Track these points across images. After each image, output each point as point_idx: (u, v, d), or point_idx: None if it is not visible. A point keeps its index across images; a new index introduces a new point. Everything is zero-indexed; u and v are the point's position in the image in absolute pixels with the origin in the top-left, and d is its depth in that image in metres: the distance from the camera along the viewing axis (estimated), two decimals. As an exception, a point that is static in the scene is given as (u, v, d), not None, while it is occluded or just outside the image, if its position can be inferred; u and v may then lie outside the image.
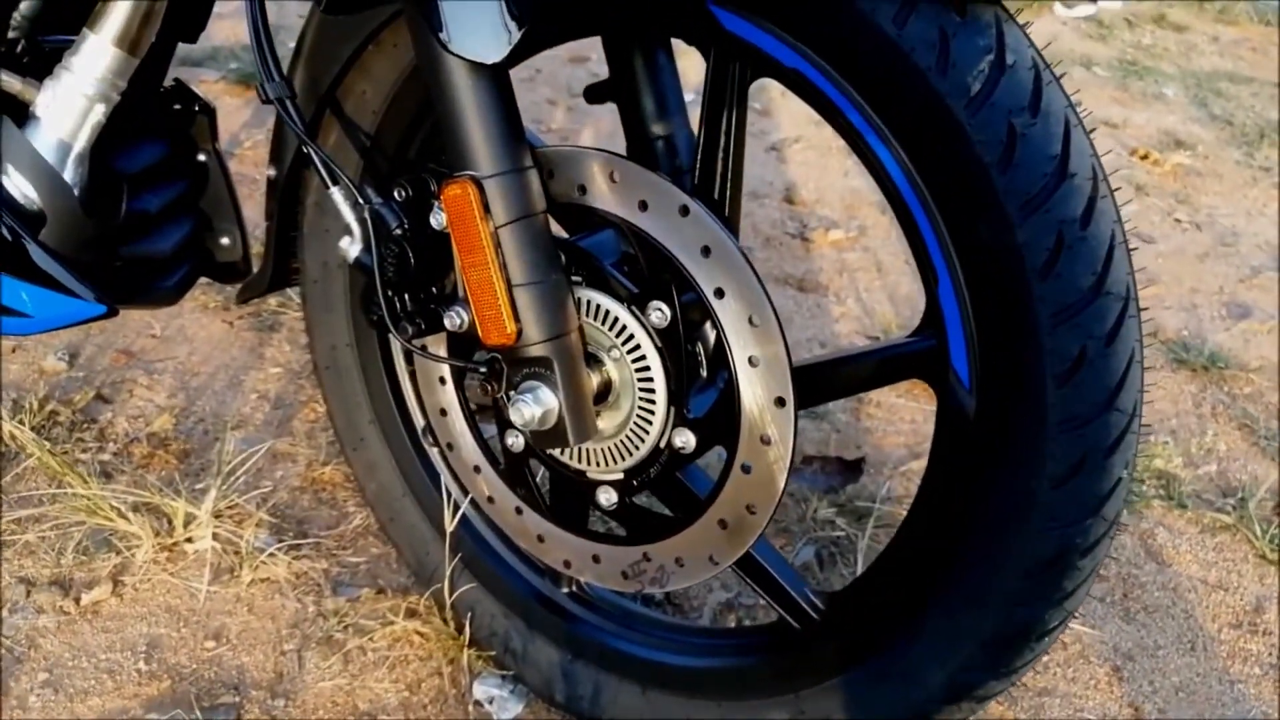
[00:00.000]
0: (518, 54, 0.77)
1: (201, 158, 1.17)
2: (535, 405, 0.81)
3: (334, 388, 1.12)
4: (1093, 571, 0.76)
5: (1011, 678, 0.81)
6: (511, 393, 0.82)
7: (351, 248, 0.88)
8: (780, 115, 2.94)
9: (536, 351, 0.81)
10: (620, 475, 0.89)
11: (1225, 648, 1.28)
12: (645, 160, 0.92)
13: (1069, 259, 0.67)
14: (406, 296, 0.86)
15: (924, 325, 0.78)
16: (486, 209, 0.78)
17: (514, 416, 0.81)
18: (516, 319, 0.80)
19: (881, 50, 0.68)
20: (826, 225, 2.28)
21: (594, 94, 0.98)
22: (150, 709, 1.03)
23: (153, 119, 1.13)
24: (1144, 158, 2.90)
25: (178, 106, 1.15)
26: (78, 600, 1.14)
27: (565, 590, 1.05)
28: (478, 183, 0.78)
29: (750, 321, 0.78)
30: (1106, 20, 4.62)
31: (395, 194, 0.85)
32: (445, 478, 1.05)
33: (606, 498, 0.90)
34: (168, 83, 1.15)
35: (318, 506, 1.32)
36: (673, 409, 0.83)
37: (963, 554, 0.77)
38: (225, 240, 1.17)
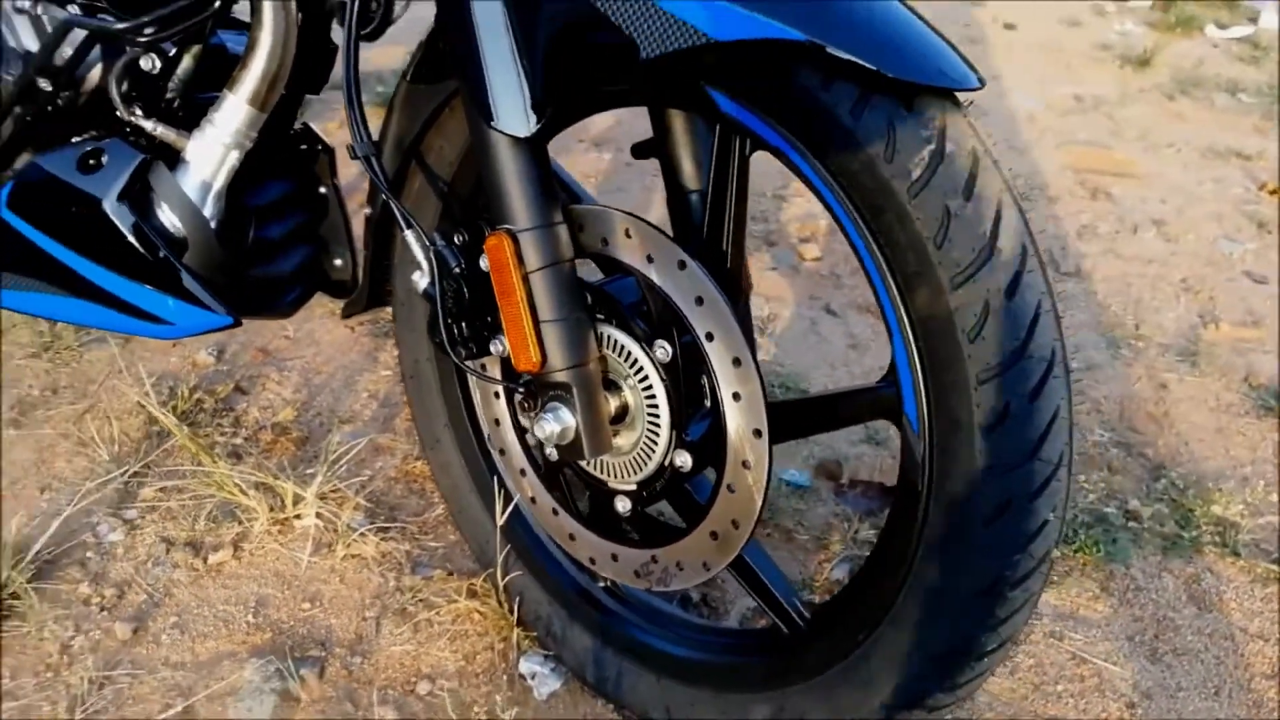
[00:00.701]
0: (550, 128, 0.92)
1: (322, 190, 1.37)
2: (556, 423, 0.96)
3: (416, 395, 1.31)
4: (1026, 603, 0.85)
5: (957, 692, 0.90)
6: (538, 411, 0.97)
7: (421, 280, 1.05)
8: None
9: (558, 377, 0.96)
10: (634, 486, 1.03)
11: (1252, 696, 1.31)
12: (680, 212, 1.05)
13: (994, 325, 0.77)
14: (463, 324, 1.02)
15: (888, 373, 0.88)
16: (520, 257, 0.94)
17: (539, 431, 0.97)
18: (541, 350, 0.95)
19: (842, 137, 0.80)
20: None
21: (640, 150, 1.12)
22: (253, 655, 1.24)
23: (282, 158, 1.34)
24: (1272, 193, 2.81)
25: (304, 147, 1.36)
26: (205, 560, 1.36)
27: (601, 585, 1.19)
28: (513, 236, 0.93)
29: (735, 362, 0.90)
30: (1263, 42, 4.42)
31: (455, 238, 1.02)
32: (498, 478, 1.21)
33: (622, 505, 1.04)
34: (297, 126, 1.36)
35: (408, 495, 1.51)
36: (674, 432, 0.97)
37: (913, 579, 0.87)
38: (338, 262, 1.37)
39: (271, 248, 1.32)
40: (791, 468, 1.59)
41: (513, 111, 0.89)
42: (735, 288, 0.98)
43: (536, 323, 0.94)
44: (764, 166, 0.96)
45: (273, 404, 1.67)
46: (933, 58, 0.78)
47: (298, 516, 1.42)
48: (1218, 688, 1.31)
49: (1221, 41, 4.48)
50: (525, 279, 0.94)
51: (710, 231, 0.97)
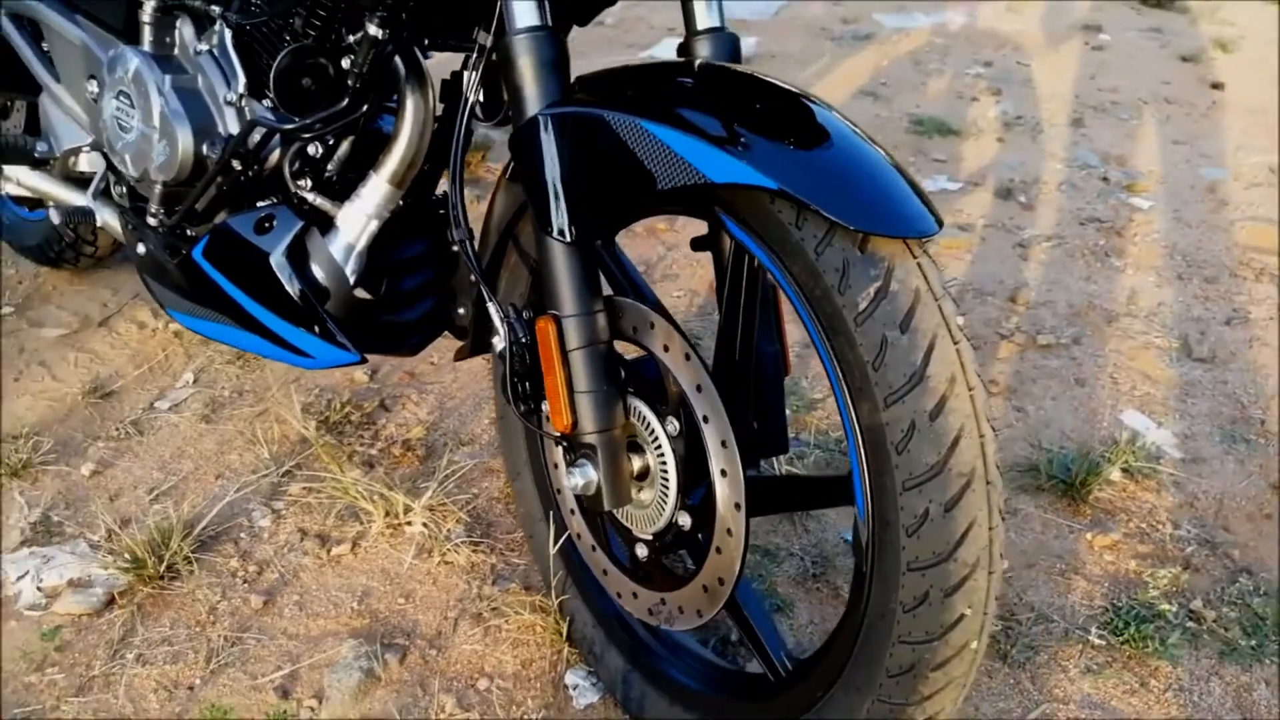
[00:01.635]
0: (602, 231, 1.11)
1: (454, 249, 1.62)
2: (582, 477, 1.14)
3: (504, 434, 1.53)
4: (949, 684, 0.96)
5: (894, 756, 1.01)
6: (569, 466, 1.16)
7: (498, 343, 1.27)
8: (1043, 211, 3.00)
9: (587, 439, 1.14)
10: (650, 536, 1.20)
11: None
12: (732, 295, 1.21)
13: (918, 442, 0.89)
14: (526, 384, 1.23)
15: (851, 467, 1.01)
16: (562, 338, 1.13)
17: (568, 482, 1.16)
18: (574, 415, 1.13)
19: (808, 268, 0.94)
20: (1039, 329, 2.36)
21: (697, 244, 1.29)
22: (352, 636, 1.49)
23: (422, 221, 1.60)
24: None
25: (441, 212, 1.61)
26: (329, 551, 1.64)
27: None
28: (557, 320, 1.13)
29: (723, 444, 1.06)
30: None
31: (524, 313, 1.23)
32: (554, 513, 1.41)
33: (641, 551, 1.21)
34: (437, 194, 1.61)
35: (504, 515, 1.73)
36: (680, 495, 1.13)
37: (859, 649, 1.00)
38: (461, 311, 1.61)
39: (403, 298, 1.58)
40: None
41: (559, 221, 1.09)
42: (747, 376, 1.13)
43: (571, 392, 1.13)
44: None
45: (408, 422, 1.95)
46: (892, 206, 0.91)
47: (408, 523, 1.67)
48: (1236, 800, 1.32)
49: None
50: (565, 355, 1.13)
51: (726, 325, 1.13)
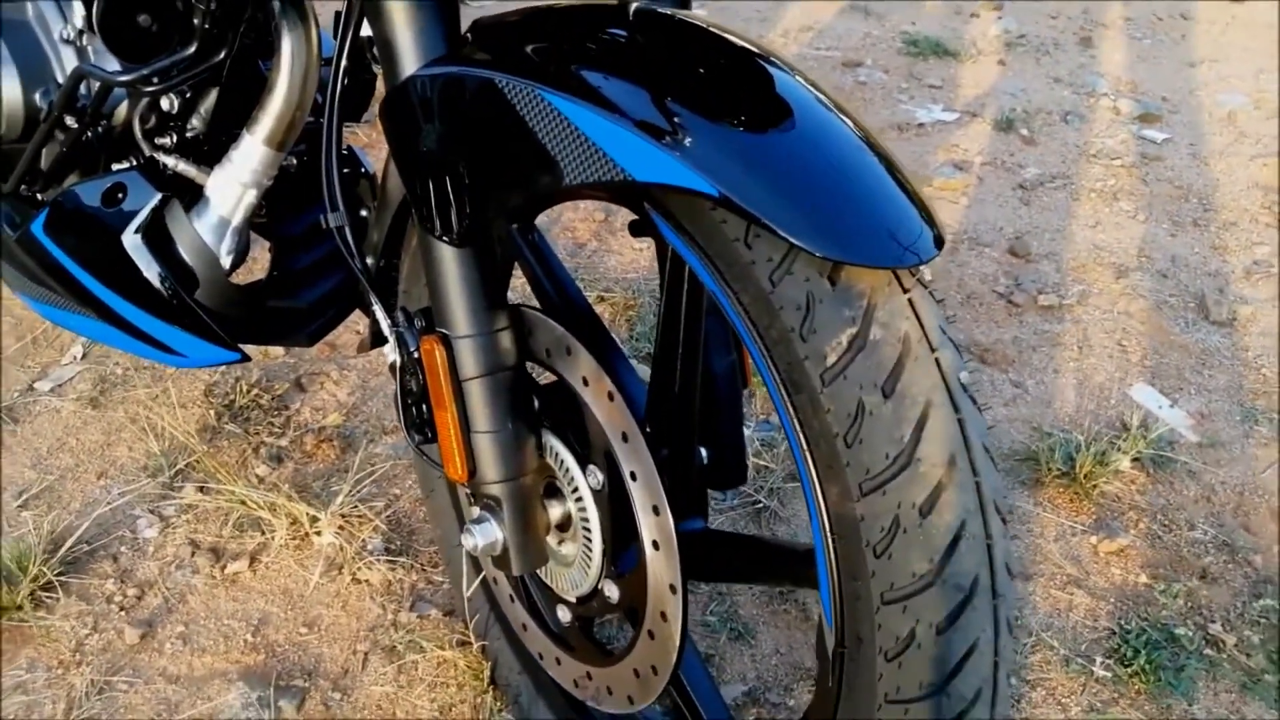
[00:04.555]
0: (488, 231, 0.86)
1: (364, 214, 1.36)
2: (482, 537, 0.91)
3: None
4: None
5: None
6: (468, 521, 0.93)
7: (391, 353, 1.02)
8: (1048, 146, 2.72)
9: (489, 490, 0.91)
10: (574, 599, 0.97)
11: None
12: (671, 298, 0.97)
13: (903, 544, 0.66)
14: (422, 406, 0.99)
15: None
16: (454, 364, 0.89)
17: (467, 543, 0.93)
18: (471, 461, 0.90)
19: (761, 301, 0.70)
20: (1041, 287, 2.12)
21: (635, 229, 1.04)
22: (242, 676, 1.28)
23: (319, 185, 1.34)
24: None
25: (346, 171, 1.34)
26: (223, 568, 1.42)
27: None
28: (447, 342, 0.88)
29: (654, 510, 0.83)
30: None
31: (417, 321, 0.98)
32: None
33: (563, 614, 0.99)
34: (343, 150, 1.34)
35: (428, 522, 1.51)
36: (606, 560, 0.90)
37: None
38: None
39: (296, 278, 1.32)
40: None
41: (442, 217, 0.83)
42: (688, 409, 0.89)
43: (467, 433, 0.90)
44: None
45: (325, 406, 1.71)
46: (875, 223, 0.67)
47: (317, 533, 1.45)
48: None
49: None
50: (458, 387, 0.89)
51: (664, 341, 0.88)
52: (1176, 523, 1.58)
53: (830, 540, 0.71)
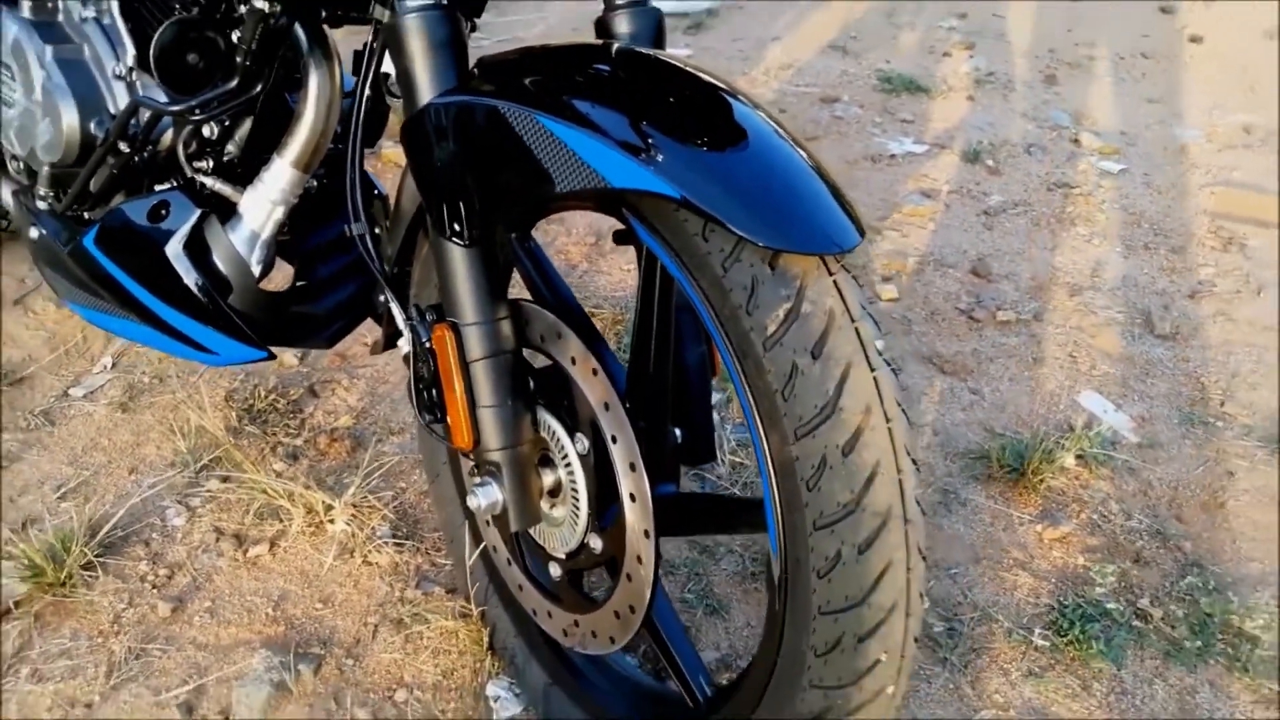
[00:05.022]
0: (495, 233, 1.02)
1: (376, 231, 1.51)
2: (484, 498, 1.06)
3: (423, 435, 1.44)
4: (864, 730, 0.89)
5: (811, 796, 0.95)
6: (473, 485, 1.08)
7: (404, 345, 1.18)
8: (1011, 176, 2.90)
9: (491, 457, 1.06)
10: (563, 556, 1.12)
11: (1210, 826, 1.27)
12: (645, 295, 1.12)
13: (829, 479, 0.81)
14: (433, 392, 1.14)
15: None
16: (462, 348, 1.04)
17: (471, 502, 1.08)
18: (476, 432, 1.05)
19: (715, 284, 0.86)
20: (1001, 304, 2.28)
21: (619, 237, 1.20)
22: (263, 645, 1.42)
23: (338, 203, 1.50)
24: None
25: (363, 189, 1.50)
26: (245, 552, 1.56)
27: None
28: (456, 329, 1.04)
29: (631, 466, 0.98)
30: None
31: (428, 315, 1.13)
32: (471, 523, 1.34)
33: (554, 570, 1.14)
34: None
35: (431, 512, 1.65)
36: (591, 516, 1.05)
37: (772, 687, 0.93)
38: (383, 299, 1.52)
39: (317, 286, 1.48)
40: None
41: (455, 224, 0.99)
42: (662, 388, 1.05)
43: (473, 407, 1.05)
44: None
45: (336, 410, 1.86)
46: (808, 219, 0.83)
47: (330, 521, 1.59)
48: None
49: None
50: (465, 367, 1.04)
51: (639, 331, 1.04)
52: (1114, 513, 1.73)
53: (773, 479, 0.86)
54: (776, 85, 3.45)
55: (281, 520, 1.60)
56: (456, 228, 1.00)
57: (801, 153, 0.88)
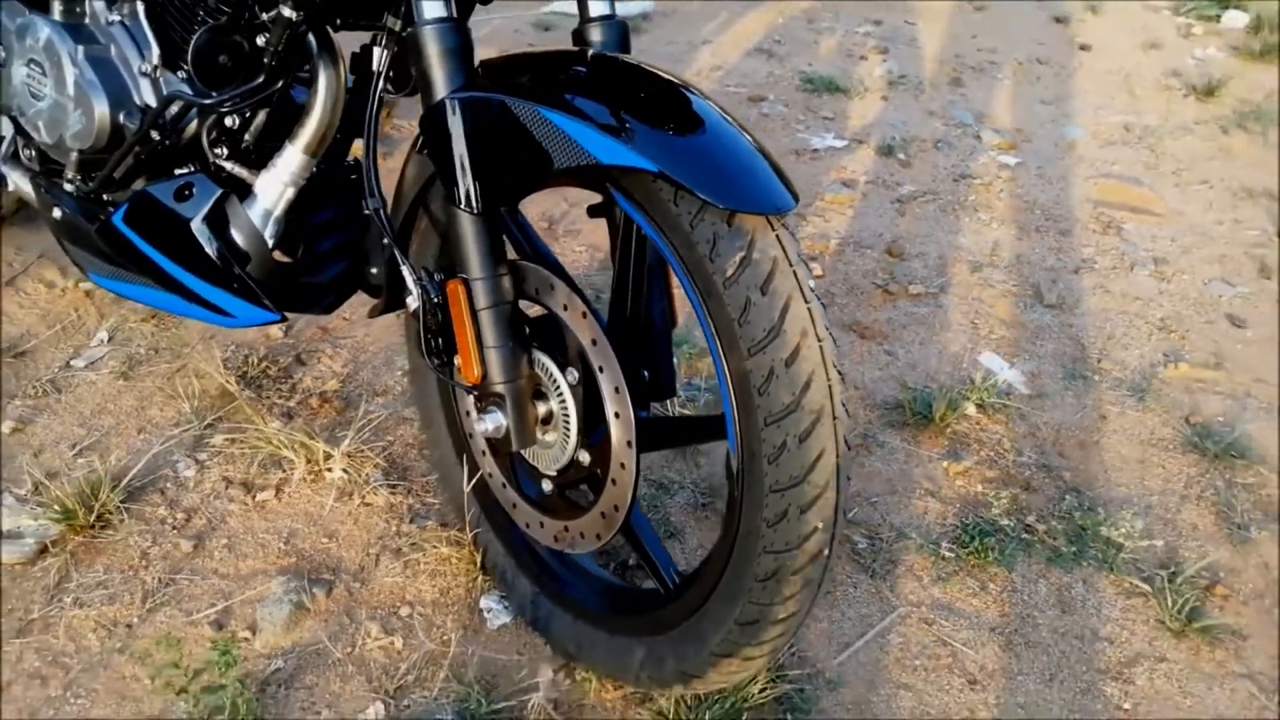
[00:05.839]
0: (505, 202, 1.24)
1: (366, 212, 1.72)
2: (491, 422, 1.29)
3: (418, 386, 1.66)
4: (805, 586, 1.14)
5: (763, 648, 1.20)
6: (480, 413, 1.30)
7: (412, 302, 1.39)
8: (921, 168, 3.21)
9: (495, 389, 1.28)
10: (555, 473, 1.35)
11: (1082, 685, 1.56)
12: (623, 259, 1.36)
13: (776, 385, 1.06)
14: (438, 340, 1.36)
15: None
16: (471, 299, 1.26)
17: (479, 427, 1.30)
18: (483, 367, 1.27)
19: (685, 240, 1.10)
20: (912, 280, 2.58)
21: (593, 210, 1.43)
22: (280, 573, 1.61)
23: (336, 187, 1.70)
24: (1284, 239, 2.92)
25: (354, 178, 1.71)
26: (254, 498, 1.75)
27: (541, 545, 1.53)
28: (466, 283, 1.26)
29: (615, 390, 1.21)
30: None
31: (436, 276, 1.35)
32: (468, 455, 1.55)
33: (547, 486, 1.37)
34: (349, 161, 1.71)
35: (418, 460, 1.87)
36: (580, 436, 1.29)
37: (731, 563, 1.18)
38: (375, 270, 1.72)
39: (319, 259, 1.68)
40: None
41: (467, 196, 1.21)
42: (638, 329, 1.29)
43: (481, 347, 1.27)
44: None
45: (324, 375, 2.05)
46: (755, 186, 1.07)
47: (328, 469, 1.79)
48: (1053, 675, 1.56)
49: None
50: (474, 314, 1.27)
51: (618, 285, 1.28)
52: (1008, 451, 2.03)
53: (732, 389, 1.10)
54: (708, 86, 3.71)
55: (284, 469, 1.80)
56: (468, 198, 1.22)
57: (747, 135, 1.12)
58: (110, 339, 2.10)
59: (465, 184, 1.21)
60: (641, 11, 4.18)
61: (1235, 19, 5.02)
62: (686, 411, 1.98)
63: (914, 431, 2.05)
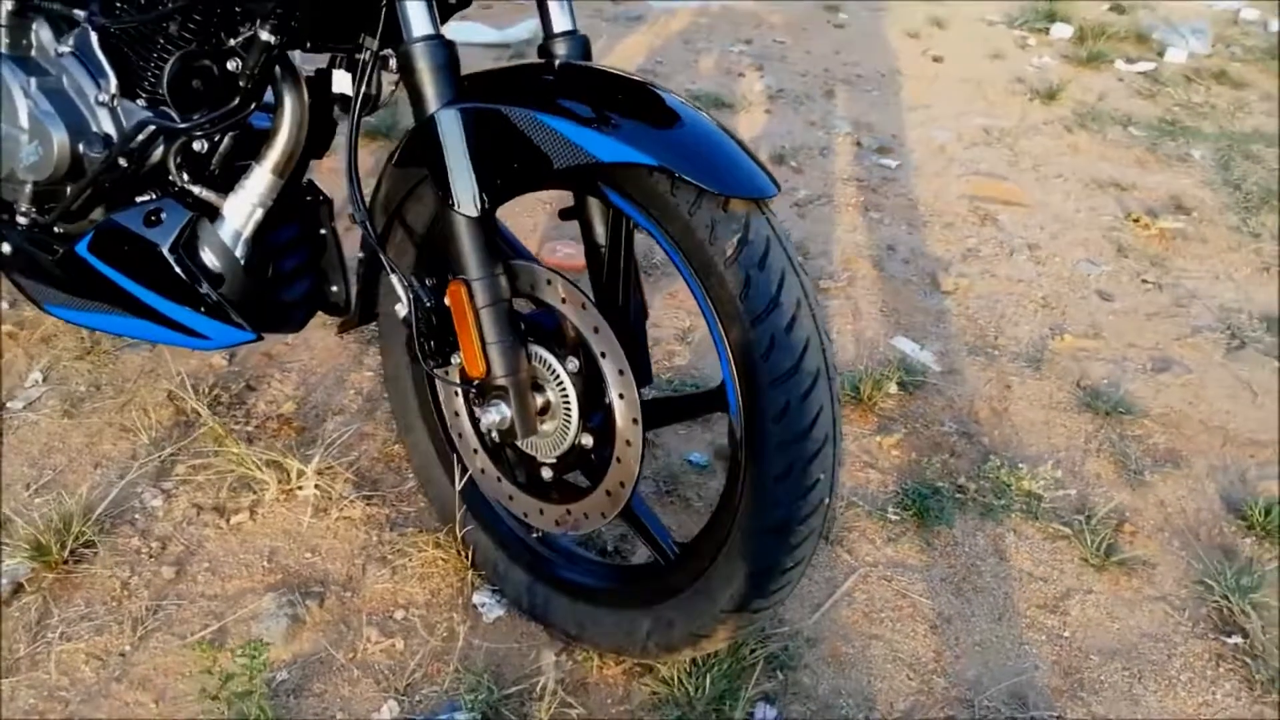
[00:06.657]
0: (495, 204, 1.32)
1: (322, 232, 1.76)
2: (496, 414, 1.36)
3: (395, 393, 1.71)
4: (810, 535, 1.26)
5: (771, 599, 1.31)
6: (484, 406, 1.37)
7: (401, 309, 1.45)
8: (812, 174, 3.42)
9: (498, 382, 1.36)
10: (554, 459, 1.43)
11: (1026, 620, 1.73)
12: (592, 260, 1.45)
13: (777, 351, 1.18)
14: (431, 343, 1.42)
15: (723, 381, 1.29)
16: (472, 298, 1.34)
17: (484, 420, 1.37)
18: (486, 363, 1.35)
19: (684, 226, 1.21)
20: (820, 276, 2.76)
21: (566, 214, 1.52)
22: (269, 590, 1.63)
23: (292, 208, 1.73)
24: (1135, 221, 3.26)
25: (309, 199, 1.74)
26: (228, 520, 1.75)
27: (533, 536, 1.60)
28: (467, 283, 1.33)
29: (619, 373, 1.31)
30: (1165, 75, 4.87)
31: (426, 281, 1.41)
32: (457, 455, 1.61)
33: (546, 473, 1.45)
34: (303, 182, 1.74)
35: (387, 472, 1.90)
36: (581, 420, 1.37)
37: (737, 523, 1.28)
38: (335, 289, 1.76)
39: (285, 278, 1.71)
40: (696, 451, 2.01)
41: (466, 199, 1.29)
42: (627, 318, 1.38)
43: (483, 344, 1.34)
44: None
45: (277, 399, 2.06)
46: (743, 174, 1.19)
47: (300, 488, 1.81)
48: (1001, 614, 1.73)
49: (1127, 75, 4.93)
50: (476, 313, 1.34)
51: (609, 280, 1.38)
52: (931, 422, 2.21)
53: (733, 360, 1.21)
54: (601, 105, 3.83)
55: (255, 491, 1.80)
56: (466, 203, 1.29)
57: (725, 129, 1.24)
58: (45, 379, 2.05)
59: (464, 189, 1.28)
60: (527, 39, 4.28)
61: (1062, 30, 5.50)
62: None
63: (846, 411, 2.21)
